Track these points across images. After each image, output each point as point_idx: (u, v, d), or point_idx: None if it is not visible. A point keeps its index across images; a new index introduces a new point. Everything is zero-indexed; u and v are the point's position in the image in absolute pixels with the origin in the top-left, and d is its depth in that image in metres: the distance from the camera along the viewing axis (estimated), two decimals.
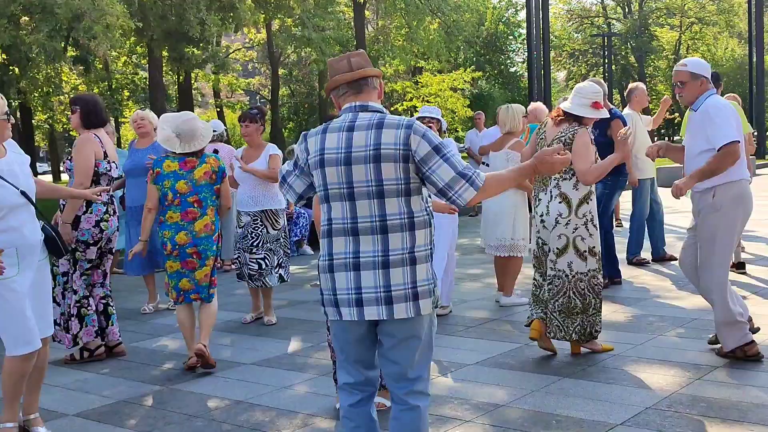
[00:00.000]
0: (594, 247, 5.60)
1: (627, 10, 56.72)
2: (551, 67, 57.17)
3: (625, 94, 9.55)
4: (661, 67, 55.80)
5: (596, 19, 57.32)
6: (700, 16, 54.24)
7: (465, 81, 29.28)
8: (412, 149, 3.13)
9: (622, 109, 9.56)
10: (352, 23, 29.18)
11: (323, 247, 3.30)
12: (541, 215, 5.72)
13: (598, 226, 5.66)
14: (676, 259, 9.37)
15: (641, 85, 9.50)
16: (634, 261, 9.31)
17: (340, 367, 3.42)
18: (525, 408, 4.69)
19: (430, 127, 6.73)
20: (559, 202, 5.60)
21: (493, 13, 43.86)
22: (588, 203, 5.59)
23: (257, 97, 48.87)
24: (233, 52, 37.95)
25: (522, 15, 40.93)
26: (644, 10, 55.26)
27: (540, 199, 5.76)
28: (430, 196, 3.36)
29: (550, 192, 5.67)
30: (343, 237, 3.20)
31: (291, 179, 3.42)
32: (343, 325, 3.30)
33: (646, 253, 9.48)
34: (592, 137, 5.66)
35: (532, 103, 9.17)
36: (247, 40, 40.44)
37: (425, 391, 3.33)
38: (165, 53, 21.61)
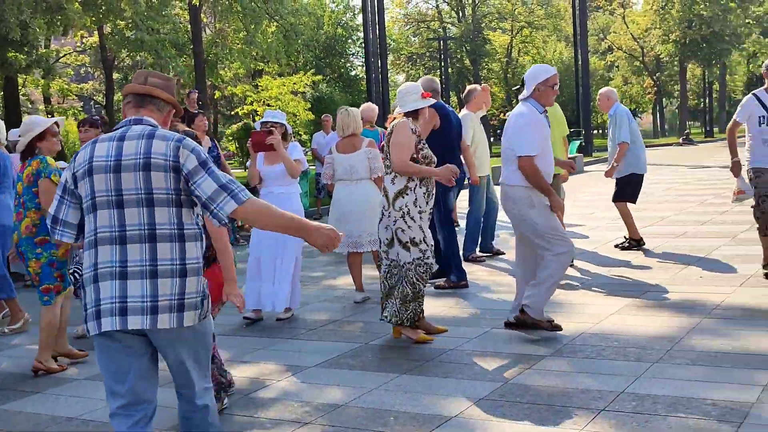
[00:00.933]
0: (414, 237, 5.92)
1: (461, 14, 58.39)
2: (391, 71, 58.34)
3: (463, 95, 9.87)
4: (495, 70, 57.80)
5: (432, 23, 58.69)
6: (529, 20, 56.56)
7: (306, 84, 29.32)
8: (180, 162, 3.14)
9: (460, 110, 9.86)
10: (189, 26, 28.59)
11: (87, 258, 3.20)
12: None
13: (417, 218, 5.94)
14: (503, 254, 9.77)
15: (478, 87, 9.83)
16: (470, 258, 9.58)
17: (109, 393, 3.28)
18: (363, 406, 4.76)
19: (271, 131, 6.79)
20: (383, 196, 6.06)
21: (330, 17, 44.14)
22: (404, 197, 5.93)
23: (91, 103, 47.04)
24: (64, 56, 36.34)
25: (360, 19, 41.44)
26: (477, 15, 57.07)
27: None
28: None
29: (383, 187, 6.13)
30: (110, 245, 3.13)
31: (65, 213, 3.28)
32: (110, 338, 3.17)
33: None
34: (414, 128, 5.99)
35: (366, 104, 9.34)
36: (78, 44, 38.86)
37: (209, 387, 3.40)
38: None
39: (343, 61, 44.64)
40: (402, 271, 5.96)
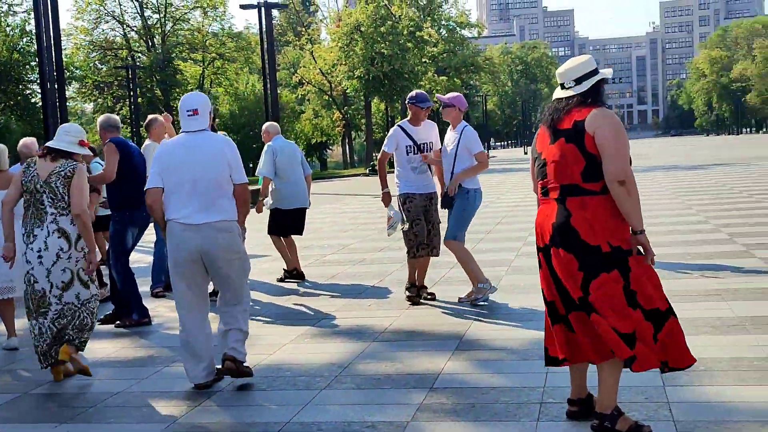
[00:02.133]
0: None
1: (150, 43, 57.20)
2: (78, 99, 55.62)
3: (144, 125, 9.69)
4: None
5: (120, 51, 56.90)
6: (220, 51, 56.67)
7: None
8: None
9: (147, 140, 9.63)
10: None
11: None
12: (39, 251, 5.77)
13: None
14: None
15: (160, 117, 9.64)
16: (155, 293, 9.27)
17: None
18: None
19: None
20: (58, 237, 5.79)
21: (5, 41, 41.19)
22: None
23: None
24: None
25: None
26: (167, 45, 56.20)
27: (36, 235, 5.82)
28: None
29: (47, 228, 5.80)
30: None
31: None
32: None
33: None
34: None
35: (24, 139, 8.73)
36: None
37: None
38: None
39: (21, 87, 41.75)
40: (80, 309, 5.89)
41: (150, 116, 9.72)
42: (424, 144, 7.93)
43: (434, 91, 57.52)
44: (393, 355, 6.10)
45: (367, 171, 47.67)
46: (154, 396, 5.47)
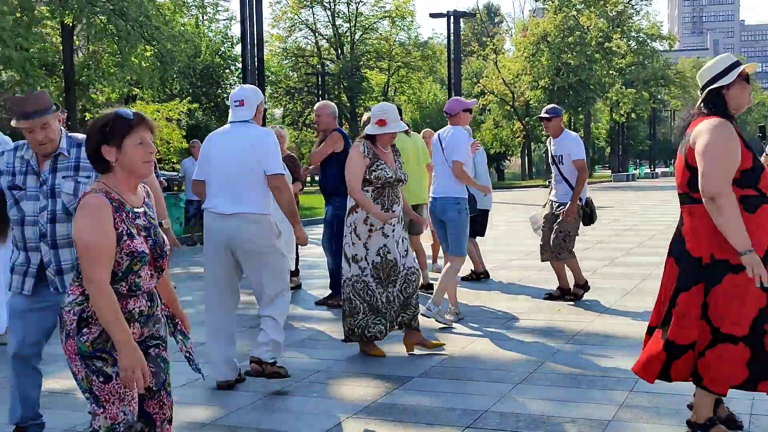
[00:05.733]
0: (356, 254, 6.03)
1: (340, 51, 58.98)
2: (269, 104, 58.12)
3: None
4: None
5: (311, 58, 59.02)
6: (405, 60, 57.64)
7: (181, 112, 28.84)
8: None
9: None
10: (61, 47, 27.68)
11: None
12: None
13: (361, 236, 6.03)
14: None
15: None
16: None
17: None
18: (230, 425, 4.70)
19: None
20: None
21: (209, 45, 43.70)
22: (355, 213, 6.04)
23: None
24: None
25: (238, 49, 41.33)
26: (356, 53, 57.78)
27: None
28: None
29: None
30: None
31: None
32: None
33: None
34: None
35: None
36: None
37: None
38: None
39: (219, 91, 44.10)
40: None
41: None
42: (556, 156, 8.33)
43: (621, 104, 56.01)
44: (588, 355, 6.04)
45: (547, 183, 47.01)
46: (354, 375, 5.70)
